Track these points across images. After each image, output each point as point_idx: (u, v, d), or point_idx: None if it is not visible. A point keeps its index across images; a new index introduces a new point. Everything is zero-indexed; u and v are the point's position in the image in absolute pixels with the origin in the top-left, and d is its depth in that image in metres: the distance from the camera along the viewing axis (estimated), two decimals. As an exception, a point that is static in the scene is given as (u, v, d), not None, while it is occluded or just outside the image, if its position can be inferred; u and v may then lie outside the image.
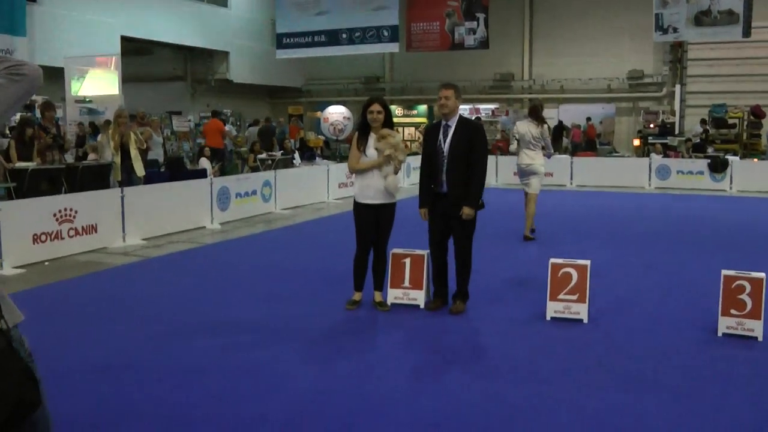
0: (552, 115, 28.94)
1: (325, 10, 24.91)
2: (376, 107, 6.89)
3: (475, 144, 6.81)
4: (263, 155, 19.44)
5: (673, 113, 27.03)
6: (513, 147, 11.73)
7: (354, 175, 7.10)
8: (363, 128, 6.99)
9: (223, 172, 17.20)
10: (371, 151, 6.90)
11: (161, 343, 6.10)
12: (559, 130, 27.24)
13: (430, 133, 7.07)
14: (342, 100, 32.51)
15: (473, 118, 26.26)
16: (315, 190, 16.66)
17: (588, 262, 6.68)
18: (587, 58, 29.05)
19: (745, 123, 24.61)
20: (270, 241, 11.69)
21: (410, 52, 27.90)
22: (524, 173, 11.44)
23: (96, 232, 10.58)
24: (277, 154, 19.58)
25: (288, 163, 19.20)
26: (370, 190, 6.92)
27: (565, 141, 27.45)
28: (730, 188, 19.47)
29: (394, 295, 7.27)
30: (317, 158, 21.15)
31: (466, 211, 6.76)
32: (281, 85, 32.93)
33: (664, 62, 28.09)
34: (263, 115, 29.68)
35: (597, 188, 20.01)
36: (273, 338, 6.23)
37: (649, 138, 26.28)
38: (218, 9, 27.99)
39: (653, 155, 22.32)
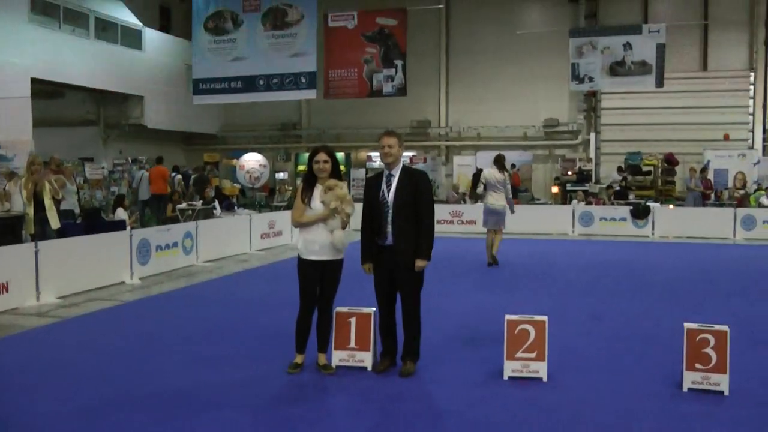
0: (468, 162, 29.20)
1: (243, 56, 24.47)
2: (322, 156, 6.57)
3: (421, 192, 6.61)
4: (183, 205, 18.84)
5: (589, 161, 27.56)
6: (480, 190, 14.20)
7: (299, 229, 6.71)
8: (308, 179, 6.65)
9: (143, 223, 16.48)
10: (316, 203, 6.54)
11: (88, 419, 5.48)
12: (477, 177, 27.40)
13: (372, 183, 6.84)
14: (258, 147, 31.98)
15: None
16: (237, 241, 16.24)
17: (545, 318, 6.44)
18: (503, 105, 29.48)
19: (660, 170, 25.26)
20: (195, 296, 11.14)
21: (328, 99, 27.71)
22: (491, 212, 13.76)
23: (7, 291, 9.77)
24: (198, 203, 18.95)
25: (208, 213, 18.60)
26: (315, 245, 6.54)
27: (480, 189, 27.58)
28: (653, 234, 19.92)
29: (339, 357, 6.87)
30: (236, 207, 20.55)
31: (419, 264, 6.53)
32: (197, 131, 32.23)
33: (578, 110, 28.73)
34: (178, 162, 28.89)
35: (522, 236, 20.07)
36: (213, 409, 5.69)
37: (567, 185, 26.67)
38: (133, 52, 27.23)
39: (575, 202, 22.60)
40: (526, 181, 29.20)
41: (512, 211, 14.32)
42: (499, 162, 13.74)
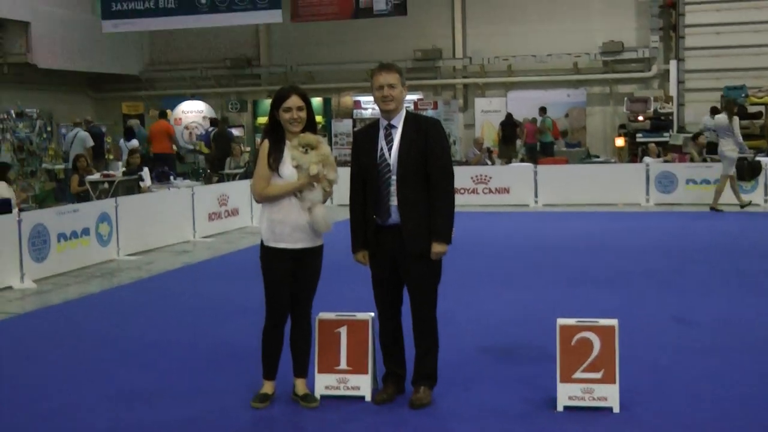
0: (496, 106, 29.30)
1: (176, -38, 24.50)
2: (294, 101, 6.58)
3: (434, 149, 6.68)
4: (95, 176, 18.96)
5: (668, 100, 27.58)
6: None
7: (261, 205, 6.78)
8: (274, 135, 6.69)
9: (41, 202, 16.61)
10: (288, 168, 6.58)
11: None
12: (511, 127, 27.51)
13: (364, 139, 6.92)
14: (200, 93, 31.99)
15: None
16: (175, 226, 16.35)
17: (615, 323, 6.51)
18: (544, 26, 29.42)
19: (774, 111, 25.33)
20: (116, 304, 11.21)
21: (297, 24, 27.68)
22: (728, 159, 18.72)
23: None
24: (117, 173, 19.00)
25: (133, 187, 18.66)
26: (287, 227, 6.61)
27: (518, 143, 27.77)
28: (766, 201, 20.15)
29: (325, 384, 6.95)
30: (173, 177, 20.65)
31: (437, 249, 6.59)
32: (110, 71, 32.15)
33: (651, 29, 28.65)
34: (82, 116, 28.77)
35: (575, 207, 20.22)
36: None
37: (637, 135, 26.72)
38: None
39: (648, 159, 22.66)
40: (578, 131, 29.23)
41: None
42: (728, 108, 19.33)
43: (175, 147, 25.51)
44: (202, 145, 27.32)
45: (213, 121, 27.88)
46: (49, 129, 27.59)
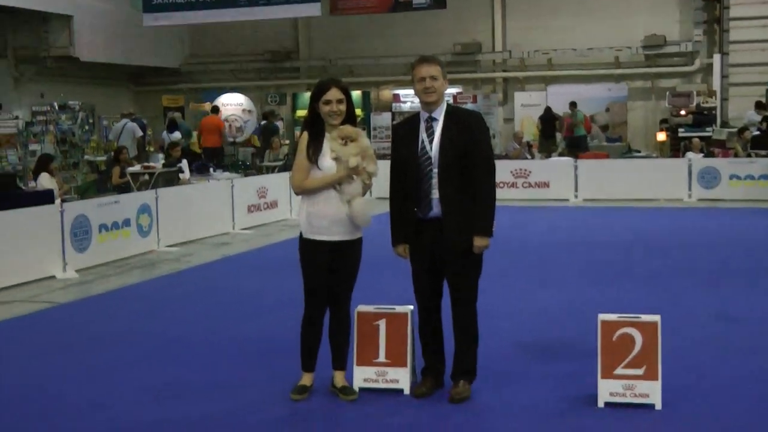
0: (536, 100, 29.16)
1: (215, -44, 24.52)
2: (334, 94, 6.56)
3: (475, 141, 6.63)
4: (136, 167, 19.06)
5: (712, 94, 27.37)
6: None
7: (301, 197, 6.77)
8: (313, 127, 6.67)
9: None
10: (327, 160, 6.56)
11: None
12: (550, 121, 27.34)
13: (405, 132, 6.87)
14: (239, 86, 32.17)
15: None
16: (214, 217, 16.45)
17: (657, 319, 6.44)
18: (585, 20, 29.29)
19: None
20: (155, 295, 11.30)
21: (336, 17, 27.72)
22: None
23: None
24: (157, 165, 19.13)
25: (172, 178, 18.77)
26: (326, 219, 6.60)
27: (558, 136, 27.61)
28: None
29: (363, 376, 6.92)
30: (212, 169, 20.76)
31: (480, 243, 6.55)
32: (150, 65, 32.50)
33: (694, 23, 28.49)
34: (124, 108, 28.98)
35: (615, 203, 20.09)
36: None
37: (680, 130, 26.52)
38: (55, -47, 27.31)
39: (691, 155, 22.47)
40: (619, 125, 29.05)
41: None
42: None
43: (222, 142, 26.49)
44: (255, 138, 28.37)
45: (264, 115, 28.45)
46: (91, 121, 27.94)
